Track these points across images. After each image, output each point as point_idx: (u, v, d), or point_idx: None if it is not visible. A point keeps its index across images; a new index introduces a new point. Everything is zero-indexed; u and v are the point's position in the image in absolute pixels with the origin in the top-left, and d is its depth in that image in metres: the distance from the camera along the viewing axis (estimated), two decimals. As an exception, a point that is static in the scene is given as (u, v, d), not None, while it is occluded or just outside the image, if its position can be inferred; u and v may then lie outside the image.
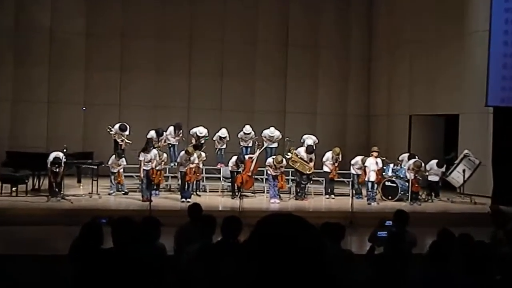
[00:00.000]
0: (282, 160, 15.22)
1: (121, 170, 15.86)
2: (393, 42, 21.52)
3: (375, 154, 16.01)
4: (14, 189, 14.58)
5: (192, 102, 20.60)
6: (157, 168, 14.96)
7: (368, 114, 22.77)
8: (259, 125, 18.17)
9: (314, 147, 16.32)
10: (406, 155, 17.28)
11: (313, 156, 16.08)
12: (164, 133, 16.99)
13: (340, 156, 16.51)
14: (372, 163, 15.84)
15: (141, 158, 14.72)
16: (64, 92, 20.33)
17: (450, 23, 18.90)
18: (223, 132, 17.70)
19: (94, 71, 20.54)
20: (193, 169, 15.09)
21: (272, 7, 21.78)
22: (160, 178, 15.34)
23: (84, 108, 19.98)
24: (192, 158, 14.95)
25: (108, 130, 16.76)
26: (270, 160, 15.53)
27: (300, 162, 15.86)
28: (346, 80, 22.60)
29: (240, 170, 15.60)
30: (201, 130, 17.17)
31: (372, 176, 15.76)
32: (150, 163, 14.76)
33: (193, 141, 16.89)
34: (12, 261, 9.09)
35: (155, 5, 20.83)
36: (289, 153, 15.91)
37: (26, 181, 14.91)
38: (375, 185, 15.95)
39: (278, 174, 15.31)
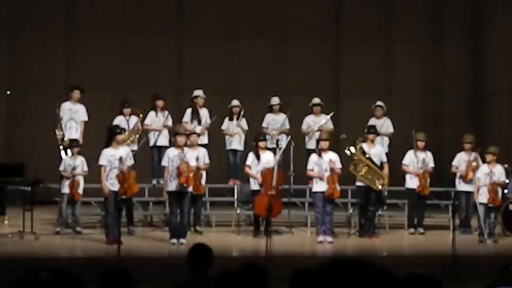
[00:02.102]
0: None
1: (78, 178, 15.85)
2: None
3: (490, 158, 15.92)
4: None
5: (184, 80, 20.72)
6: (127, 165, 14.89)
7: (476, 95, 22.67)
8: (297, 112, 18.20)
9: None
10: None
11: (383, 156, 16.17)
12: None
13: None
14: (485, 174, 15.76)
15: (101, 162, 14.71)
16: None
17: None
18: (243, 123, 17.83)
19: (24, 34, 20.71)
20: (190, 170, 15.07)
21: None
22: (130, 182, 15.20)
23: (8, 92, 20.10)
24: (185, 150, 15.03)
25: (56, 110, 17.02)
26: (314, 158, 15.57)
27: (369, 167, 15.80)
28: (439, 45, 22.54)
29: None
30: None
31: (484, 196, 15.69)
32: (116, 168, 14.72)
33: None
34: None
35: None
36: (351, 149, 15.82)
37: None
38: (493, 211, 15.88)
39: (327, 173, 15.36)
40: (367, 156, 15.86)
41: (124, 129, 15.65)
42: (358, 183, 16.00)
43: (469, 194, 16.24)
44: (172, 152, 14.96)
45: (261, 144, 15.94)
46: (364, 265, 2.04)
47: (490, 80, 22.47)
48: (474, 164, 16.21)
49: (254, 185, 15.86)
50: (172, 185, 14.82)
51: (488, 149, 16.17)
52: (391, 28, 22.24)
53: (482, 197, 15.72)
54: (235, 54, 21.60)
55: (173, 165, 14.77)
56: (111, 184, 14.67)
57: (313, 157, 15.64)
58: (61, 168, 15.87)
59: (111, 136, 15.09)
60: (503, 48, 21.97)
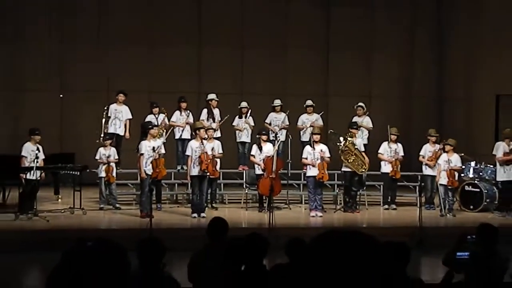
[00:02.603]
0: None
1: (112, 164, 15.89)
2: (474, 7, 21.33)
3: (448, 148, 15.91)
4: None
5: (202, 84, 20.64)
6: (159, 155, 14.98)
7: (439, 96, 22.60)
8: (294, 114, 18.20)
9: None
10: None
11: (362, 146, 16.31)
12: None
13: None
14: (445, 161, 15.76)
15: (142, 151, 14.74)
16: (34, 74, 20.44)
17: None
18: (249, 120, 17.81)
19: (71, 47, 20.63)
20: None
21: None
22: (160, 167, 15.24)
23: (61, 96, 20.07)
24: (204, 142, 15.09)
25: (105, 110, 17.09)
26: (308, 148, 15.59)
27: (356, 155, 15.87)
28: (409, 52, 22.47)
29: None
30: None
31: (445, 178, 15.69)
32: (151, 156, 14.77)
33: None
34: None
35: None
36: (341, 140, 15.88)
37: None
38: (451, 191, 15.87)
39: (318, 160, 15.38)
40: (355, 147, 15.91)
41: (155, 125, 15.68)
42: (344, 169, 16.01)
43: (432, 177, 16.22)
44: (194, 144, 15.03)
45: (263, 137, 16.03)
46: (355, 233, 2.03)
47: (450, 85, 22.42)
48: (438, 153, 16.19)
49: (258, 170, 15.96)
50: (194, 171, 14.89)
51: (447, 141, 16.16)
52: (371, 41, 22.15)
53: (443, 180, 15.74)
54: (243, 63, 21.56)
55: (196, 154, 14.83)
56: (147, 169, 14.74)
57: (307, 148, 15.68)
58: (97, 157, 15.91)
59: (144, 131, 15.18)
60: (460, 58, 21.90)
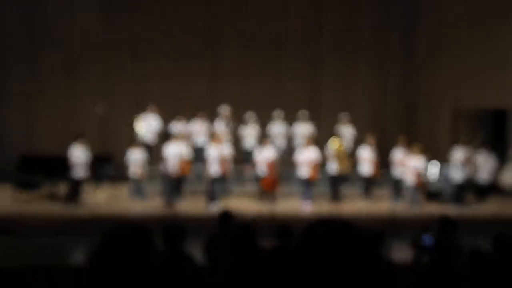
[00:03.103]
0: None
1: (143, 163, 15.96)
2: (437, 30, 21.30)
3: (416, 152, 15.90)
4: (28, 195, 14.74)
5: (215, 97, 20.65)
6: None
7: (409, 109, 22.58)
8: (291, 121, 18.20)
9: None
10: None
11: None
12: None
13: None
14: (414, 163, 15.75)
15: (168, 153, 14.74)
16: (81, 92, 20.49)
17: (499, 17, 18.70)
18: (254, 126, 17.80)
19: (110, 65, 20.69)
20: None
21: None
22: (187, 167, 15.33)
23: (101, 108, 20.07)
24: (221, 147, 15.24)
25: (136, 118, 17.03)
26: (302, 152, 15.59)
27: (343, 158, 15.91)
28: (384, 73, 22.46)
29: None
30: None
31: (413, 177, 15.68)
32: (177, 157, 14.81)
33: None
34: (27, 274, 9.19)
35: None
36: (336, 145, 15.94)
37: (41, 187, 15.06)
38: (418, 188, 15.86)
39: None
40: (343, 149, 16.01)
41: (179, 132, 15.68)
42: (331, 169, 15.99)
43: (402, 176, 16.18)
44: (213, 148, 14.99)
45: (266, 142, 15.99)
46: (342, 222, 2.03)
47: (418, 99, 22.41)
48: (407, 156, 16.18)
49: (261, 171, 15.82)
50: (215, 171, 14.86)
51: (414, 145, 16.16)
52: (352, 64, 22.17)
53: (411, 178, 15.71)
54: (249, 83, 21.56)
55: (214, 157, 14.82)
56: (173, 168, 14.73)
57: (302, 152, 15.66)
58: (129, 157, 15.91)
59: (168, 136, 15.21)
60: (427, 76, 21.89)
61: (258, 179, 16.28)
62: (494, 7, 18.98)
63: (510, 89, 18.30)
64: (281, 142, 17.44)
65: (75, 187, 14.50)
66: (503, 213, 15.51)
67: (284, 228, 6.58)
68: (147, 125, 17.25)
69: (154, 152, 17.05)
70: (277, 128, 17.90)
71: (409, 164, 15.84)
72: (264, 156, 15.82)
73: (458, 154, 16.11)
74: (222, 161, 15.11)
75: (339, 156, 15.94)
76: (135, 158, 15.89)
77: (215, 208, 14.43)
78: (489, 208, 16.28)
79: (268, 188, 15.32)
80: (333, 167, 16.01)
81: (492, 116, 20.07)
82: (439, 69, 21.33)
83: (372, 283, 1.93)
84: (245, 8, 21.37)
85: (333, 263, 1.92)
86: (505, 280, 5.57)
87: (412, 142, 16.89)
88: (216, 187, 15.07)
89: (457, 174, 16.05)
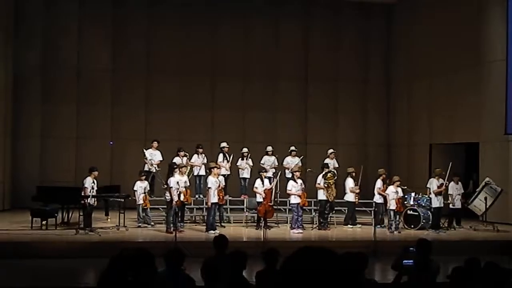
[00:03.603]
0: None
1: (147, 193, 15.84)
2: (411, 74, 21.54)
3: (395, 182, 15.90)
4: (44, 222, 14.63)
5: (215, 135, 20.66)
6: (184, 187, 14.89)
7: (388, 144, 22.69)
8: (282, 156, 18.13)
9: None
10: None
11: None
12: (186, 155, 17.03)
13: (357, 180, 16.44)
14: (393, 192, 15.73)
15: (172, 185, 14.60)
16: (92, 127, 20.58)
17: (468, 53, 18.87)
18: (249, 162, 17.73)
19: (120, 106, 20.79)
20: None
21: (293, 42, 21.99)
22: (188, 196, 15.23)
23: (111, 143, 20.14)
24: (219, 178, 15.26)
25: (142, 152, 17.04)
26: (292, 182, 15.48)
27: (332, 188, 15.91)
28: (365, 112, 22.64)
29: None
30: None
31: (393, 205, 15.66)
32: (179, 188, 14.68)
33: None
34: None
35: (178, 43, 21.11)
36: (328, 175, 15.93)
37: (56, 215, 14.96)
38: (398, 214, 15.84)
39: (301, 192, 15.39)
40: (333, 181, 15.98)
41: (180, 165, 15.57)
42: (320, 197, 15.92)
43: (383, 204, 16.13)
44: (211, 179, 14.90)
45: (264, 174, 15.92)
46: (317, 248, 2.01)
47: (394, 136, 22.51)
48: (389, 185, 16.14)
49: (259, 199, 15.72)
50: (214, 199, 14.78)
51: (393, 177, 16.17)
52: (335, 104, 22.32)
53: (392, 206, 15.68)
54: (245, 121, 21.65)
55: (215, 186, 14.76)
56: (176, 197, 14.59)
57: (292, 182, 15.60)
58: (135, 188, 15.84)
59: (171, 169, 15.05)
60: (401, 116, 22.01)
61: (253, 206, 16.20)
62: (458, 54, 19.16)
63: (479, 123, 18.39)
64: (272, 173, 17.38)
65: (87, 215, 14.39)
66: (473, 236, 15.48)
67: (271, 251, 6.52)
68: (150, 158, 17.19)
69: (155, 183, 16.99)
70: (269, 161, 17.82)
71: (388, 193, 15.81)
72: (261, 186, 15.71)
73: (432, 184, 16.13)
74: (220, 191, 15.09)
75: (329, 186, 15.92)
76: (141, 188, 15.84)
77: (213, 233, 14.34)
78: (461, 232, 16.25)
79: (264, 214, 15.31)
80: (323, 195, 15.92)
81: (465, 148, 20.14)
82: (413, 108, 21.47)
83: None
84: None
85: (318, 284, 1.90)
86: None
87: (392, 174, 16.91)
88: (214, 215, 14.98)
89: (433, 202, 16.02)
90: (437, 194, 15.92)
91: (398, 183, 15.91)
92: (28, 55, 20.01)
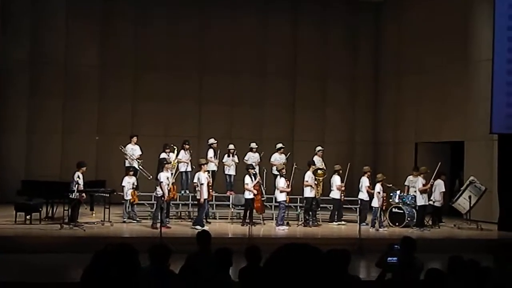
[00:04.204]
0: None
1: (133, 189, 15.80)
2: (399, 73, 21.59)
3: (380, 180, 15.96)
4: (28, 217, 14.55)
5: (202, 131, 20.62)
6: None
7: (374, 141, 22.75)
8: (269, 153, 18.13)
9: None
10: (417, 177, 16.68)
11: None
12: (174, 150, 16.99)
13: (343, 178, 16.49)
14: (378, 190, 15.80)
15: (162, 180, 14.60)
16: (78, 122, 20.46)
17: (454, 52, 18.96)
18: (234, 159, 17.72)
19: (107, 101, 20.70)
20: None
21: (281, 37, 21.97)
22: (174, 192, 15.29)
23: (97, 138, 20.04)
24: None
25: (120, 149, 16.93)
26: (281, 179, 15.49)
27: (320, 185, 16.01)
28: (353, 110, 22.68)
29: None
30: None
31: (378, 202, 15.72)
32: (168, 184, 14.70)
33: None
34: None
35: (166, 38, 21.03)
36: (319, 172, 16.02)
37: (40, 209, 14.88)
38: (382, 211, 15.92)
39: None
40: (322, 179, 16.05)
41: (168, 161, 15.54)
42: (306, 194, 15.94)
43: (368, 201, 16.19)
44: (203, 175, 14.90)
45: (252, 171, 15.88)
46: (301, 245, 2.01)
47: (381, 134, 22.58)
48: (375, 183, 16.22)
49: (248, 195, 15.67)
50: (205, 194, 14.79)
51: (378, 175, 16.23)
52: (324, 102, 22.34)
53: (376, 203, 15.74)
54: (233, 117, 21.62)
55: (202, 183, 14.76)
56: (165, 192, 14.56)
57: (282, 179, 15.59)
58: (123, 184, 15.77)
59: (160, 165, 15.04)
60: (388, 115, 22.06)
61: (239, 203, 16.21)
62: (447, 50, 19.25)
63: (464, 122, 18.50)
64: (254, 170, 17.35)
65: (73, 209, 14.33)
66: (457, 235, 15.59)
67: (252, 248, 6.52)
68: (131, 154, 17.10)
69: (140, 177, 16.95)
70: (253, 158, 17.77)
71: (374, 191, 15.88)
72: (251, 183, 15.67)
73: (418, 182, 16.20)
74: (208, 186, 15.08)
75: (319, 183, 16.00)
76: (129, 183, 15.77)
77: (199, 229, 14.34)
78: (445, 230, 16.36)
79: (260, 209, 15.44)
80: (310, 193, 15.94)
81: (450, 147, 20.25)
82: (400, 105, 21.53)
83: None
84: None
85: (300, 282, 1.91)
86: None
87: (377, 172, 16.98)
88: (202, 210, 14.97)
89: (418, 200, 16.10)
90: (422, 192, 15.99)
91: (383, 180, 15.99)
92: (15, 50, 19.88)
